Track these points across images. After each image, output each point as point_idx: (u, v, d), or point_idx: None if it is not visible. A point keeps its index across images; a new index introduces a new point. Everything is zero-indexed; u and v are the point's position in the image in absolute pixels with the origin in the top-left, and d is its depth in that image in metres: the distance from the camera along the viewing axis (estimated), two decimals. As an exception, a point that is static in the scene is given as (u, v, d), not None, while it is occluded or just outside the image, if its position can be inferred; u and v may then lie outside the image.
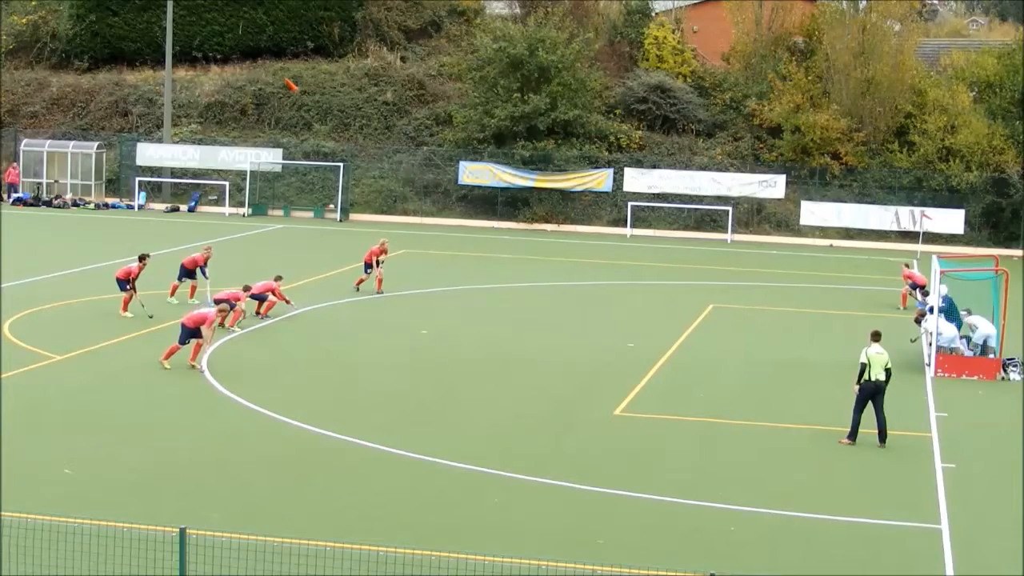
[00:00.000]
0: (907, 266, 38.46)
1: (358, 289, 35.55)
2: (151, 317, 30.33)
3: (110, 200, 57.88)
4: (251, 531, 14.95)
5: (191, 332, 25.57)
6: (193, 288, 32.88)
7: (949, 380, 27.49)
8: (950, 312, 29.29)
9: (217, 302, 29.75)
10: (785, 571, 15.69)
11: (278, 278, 31.94)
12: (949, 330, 28.44)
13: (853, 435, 21.70)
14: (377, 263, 35.41)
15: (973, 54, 58.98)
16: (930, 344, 28.62)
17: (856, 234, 54.25)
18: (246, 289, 30.68)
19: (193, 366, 25.52)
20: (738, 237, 54.22)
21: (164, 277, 33.37)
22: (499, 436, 21.85)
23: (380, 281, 35.40)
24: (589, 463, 20.26)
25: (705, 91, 59.33)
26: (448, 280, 39.10)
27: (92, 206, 57.11)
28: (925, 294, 33.68)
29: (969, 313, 29.07)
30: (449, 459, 19.97)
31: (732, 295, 38.42)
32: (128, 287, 30.86)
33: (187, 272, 32.77)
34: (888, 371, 21.74)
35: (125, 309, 30.79)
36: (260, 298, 31.25)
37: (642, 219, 55.44)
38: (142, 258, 31.72)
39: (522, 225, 55.66)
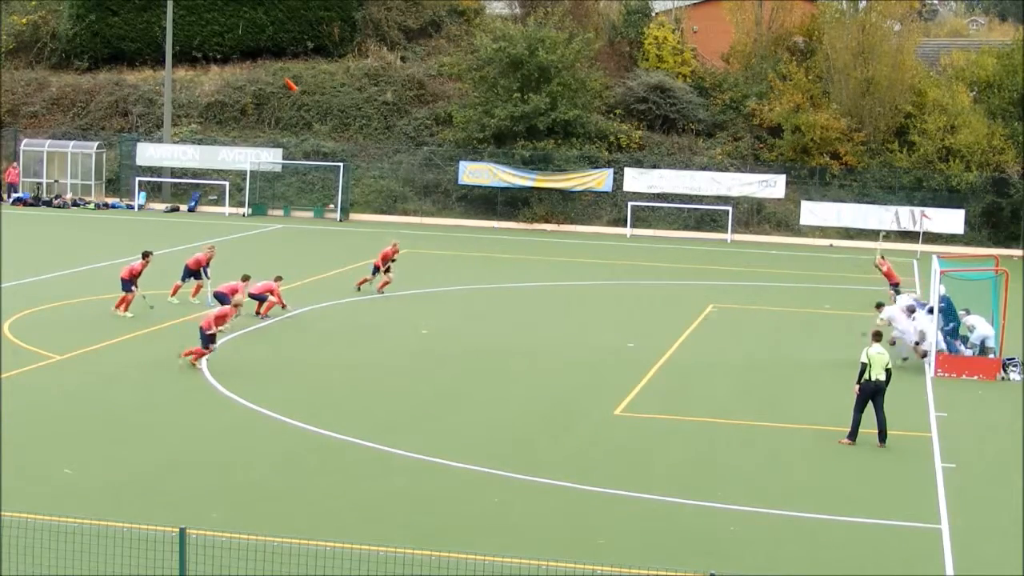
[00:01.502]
0: (883, 257, 37.88)
1: (359, 289, 35.51)
2: (152, 308, 30.43)
3: (110, 200, 57.88)
4: (251, 531, 14.94)
5: (205, 336, 25.63)
6: (197, 288, 32.78)
7: (949, 380, 27.50)
8: (948, 312, 29.27)
9: (216, 295, 29.84)
10: (785, 571, 15.69)
11: (278, 278, 31.90)
12: (924, 327, 28.08)
13: (853, 435, 21.70)
14: (387, 267, 35.10)
15: (973, 54, 59.02)
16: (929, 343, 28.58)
17: (856, 234, 54.25)
18: (245, 279, 30.58)
19: (191, 364, 25.53)
20: (738, 237, 54.23)
21: (166, 276, 33.35)
22: (499, 436, 21.85)
23: (385, 283, 35.29)
24: (589, 463, 20.26)
25: (705, 91, 59.36)
26: (448, 280, 39.09)
27: (92, 206, 57.11)
28: (898, 292, 33.70)
29: (968, 313, 29.05)
30: (449, 459, 19.97)
31: (732, 295, 38.41)
32: (132, 286, 30.82)
33: (191, 272, 32.71)
34: (888, 371, 21.75)
35: (126, 308, 30.74)
36: (260, 298, 31.23)
37: (642, 219, 55.46)
38: (145, 255, 31.68)
39: (522, 225, 55.67)
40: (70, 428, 21.11)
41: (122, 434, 20.99)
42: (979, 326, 28.47)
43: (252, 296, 30.94)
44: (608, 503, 18.28)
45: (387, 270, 35.19)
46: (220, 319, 25.86)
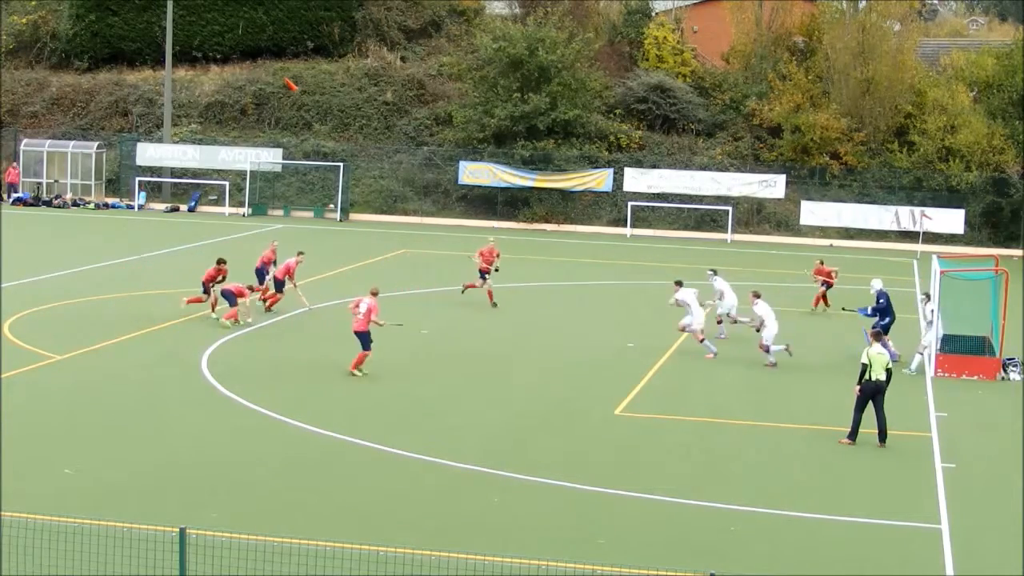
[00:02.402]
0: (821, 262, 36.88)
1: (463, 292, 34.52)
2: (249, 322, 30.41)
3: (110, 200, 57.90)
4: (251, 531, 14.94)
5: (362, 337, 25.55)
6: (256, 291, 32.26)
7: (949, 380, 27.50)
8: (886, 311, 29.30)
9: (223, 293, 29.83)
10: (785, 571, 15.69)
11: (300, 253, 32.16)
12: (763, 313, 28.20)
13: (853, 435, 21.71)
14: (487, 272, 34.07)
15: (973, 54, 59.06)
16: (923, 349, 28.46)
17: (856, 234, 54.28)
18: (251, 289, 30.63)
19: (355, 374, 25.58)
20: (738, 237, 54.23)
21: (174, 276, 33.25)
22: (499, 436, 21.86)
23: (491, 293, 34.22)
24: (589, 463, 20.27)
25: (705, 91, 59.39)
26: (448, 280, 39.04)
27: (92, 206, 57.14)
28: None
29: (928, 299, 28.78)
30: (449, 459, 19.98)
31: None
32: (211, 289, 30.34)
33: (261, 273, 32.62)
34: (889, 371, 21.75)
35: (198, 301, 30.48)
36: (279, 285, 31.50)
37: (642, 219, 55.46)
38: (220, 262, 31.00)
39: (522, 225, 55.68)
40: (70, 428, 21.11)
41: (122, 434, 20.99)
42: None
43: (275, 279, 31.44)
44: (608, 503, 18.28)
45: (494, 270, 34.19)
46: (375, 313, 25.71)
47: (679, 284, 29.71)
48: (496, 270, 34.39)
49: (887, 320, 29.20)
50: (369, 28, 63.37)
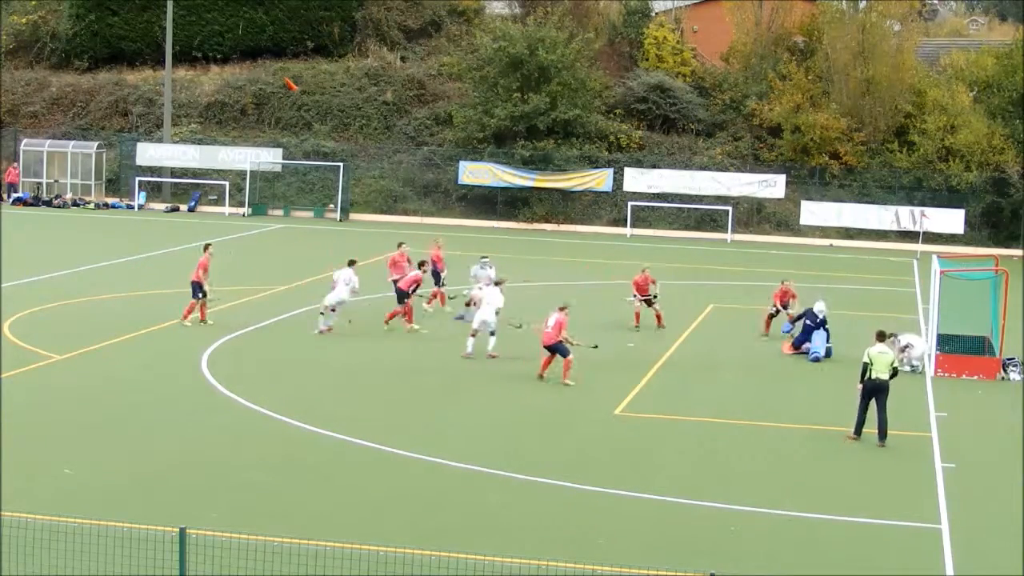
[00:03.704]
0: (784, 282, 33.58)
1: (663, 327, 32.27)
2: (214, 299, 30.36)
3: (110, 200, 57.90)
4: (251, 531, 14.94)
5: (557, 348, 25.58)
6: (440, 296, 33.19)
7: (949, 380, 27.49)
8: (817, 328, 29.30)
9: (194, 287, 29.53)
10: (785, 571, 15.70)
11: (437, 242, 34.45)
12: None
13: (858, 431, 21.85)
14: (648, 300, 32.44)
15: (973, 54, 59.05)
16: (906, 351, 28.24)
17: (856, 234, 54.28)
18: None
19: (567, 383, 25.47)
20: (738, 237, 54.22)
21: (169, 276, 33.19)
22: (499, 436, 21.86)
23: (660, 316, 32.43)
24: (589, 463, 20.27)
25: (705, 91, 59.39)
26: (448, 280, 39.01)
27: (92, 206, 57.13)
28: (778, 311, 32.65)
29: (895, 337, 28.37)
30: (449, 459, 19.97)
31: (732, 295, 38.40)
32: (201, 293, 29.72)
33: (436, 274, 33.08)
34: (895, 370, 21.81)
35: (202, 317, 29.87)
36: (403, 295, 31.52)
37: (642, 219, 55.45)
38: (206, 247, 30.74)
39: (522, 225, 55.68)
40: (70, 428, 21.10)
41: (122, 434, 20.98)
42: (917, 345, 28.13)
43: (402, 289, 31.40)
44: (608, 503, 18.28)
45: (649, 303, 32.50)
46: (564, 328, 25.71)
47: (352, 263, 31.27)
48: (656, 296, 32.65)
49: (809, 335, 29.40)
50: (369, 28, 63.39)
